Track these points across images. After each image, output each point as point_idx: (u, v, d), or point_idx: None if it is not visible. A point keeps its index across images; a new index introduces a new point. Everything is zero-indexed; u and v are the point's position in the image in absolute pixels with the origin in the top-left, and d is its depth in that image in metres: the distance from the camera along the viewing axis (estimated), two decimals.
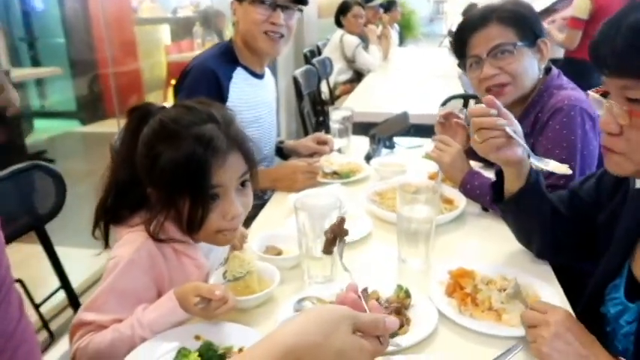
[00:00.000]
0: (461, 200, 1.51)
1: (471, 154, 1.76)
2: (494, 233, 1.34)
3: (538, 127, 1.44)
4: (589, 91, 0.94)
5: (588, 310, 1.03)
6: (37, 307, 1.38)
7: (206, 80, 1.62)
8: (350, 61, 4.34)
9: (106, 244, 1.07)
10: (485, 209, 1.51)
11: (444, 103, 2.69)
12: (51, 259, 1.39)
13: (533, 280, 1.11)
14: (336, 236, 1.06)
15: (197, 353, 0.84)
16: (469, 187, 1.50)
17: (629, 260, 0.98)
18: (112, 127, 3.48)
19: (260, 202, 1.67)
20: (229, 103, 1.64)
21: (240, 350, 0.89)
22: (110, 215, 1.07)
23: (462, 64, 1.54)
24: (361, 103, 3.11)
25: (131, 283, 0.98)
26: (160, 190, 1.01)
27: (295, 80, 3.01)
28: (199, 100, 1.09)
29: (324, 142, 1.90)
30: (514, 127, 1.07)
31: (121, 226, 1.06)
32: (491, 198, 1.23)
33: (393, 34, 5.84)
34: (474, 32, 1.46)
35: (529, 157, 1.08)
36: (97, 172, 1.11)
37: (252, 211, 1.13)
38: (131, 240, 1.01)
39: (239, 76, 1.72)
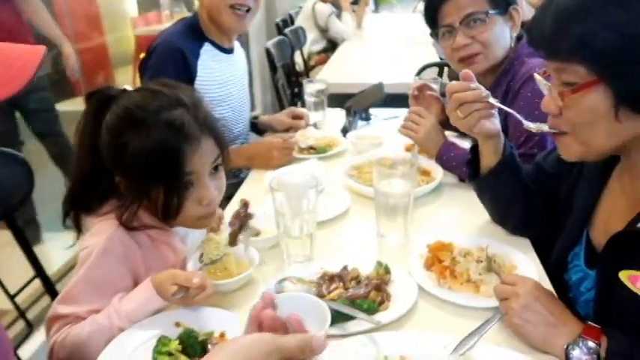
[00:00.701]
0: (438, 172, 1.51)
1: (445, 124, 1.77)
2: (472, 204, 1.34)
3: (510, 96, 1.44)
4: (534, 73, 0.95)
5: (552, 277, 1.06)
6: (12, 297, 1.35)
7: (172, 59, 1.56)
8: (323, 31, 4.26)
9: (79, 233, 1.04)
10: (462, 180, 1.51)
11: (419, 73, 2.67)
12: (23, 248, 1.35)
13: (510, 250, 1.12)
14: (242, 225, 1.06)
15: (178, 341, 0.83)
16: (445, 158, 1.51)
17: (587, 228, 1.01)
18: (80, 105, 3.37)
19: (236, 180, 1.65)
20: (198, 82, 1.59)
21: (222, 335, 0.88)
22: (79, 204, 1.03)
23: (434, 34, 1.52)
24: (336, 74, 3.07)
25: (106, 272, 0.96)
26: (130, 180, 0.97)
27: (268, 52, 2.95)
28: (163, 82, 1.05)
29: (299, 117, 1.87)
30: (488, 96, 1.07)
31: (92, 216, 1.03)
32: (467, 175, 1.23)
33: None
34: (445, 0, 1.43)
35: (537, 124, 1.06)
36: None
37: (228, 190, 1.12)
38: (103, 229, 0.99)
39: (207, 52, 1.66)
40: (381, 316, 0.93)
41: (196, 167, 0.97)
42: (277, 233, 1.15)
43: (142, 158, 0.92)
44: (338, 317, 0.91)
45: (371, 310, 0.94)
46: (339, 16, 4.31)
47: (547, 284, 1.03)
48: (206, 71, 1.63)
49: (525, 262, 1.09)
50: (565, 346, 0.80)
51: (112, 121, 0.95)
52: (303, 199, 1.10)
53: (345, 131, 1.88)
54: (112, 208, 1.01)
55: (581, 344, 0.79)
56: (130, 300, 0.91)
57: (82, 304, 0.93)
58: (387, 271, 1.04)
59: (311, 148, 1.73)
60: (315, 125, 1.95)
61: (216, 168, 1.03)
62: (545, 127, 0.95)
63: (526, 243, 1.19)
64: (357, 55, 3.75)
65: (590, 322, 0.83)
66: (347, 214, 1.37)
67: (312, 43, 4.23)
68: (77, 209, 1.03)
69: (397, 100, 2.29)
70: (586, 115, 0.83)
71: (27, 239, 1.37)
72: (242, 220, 1.11)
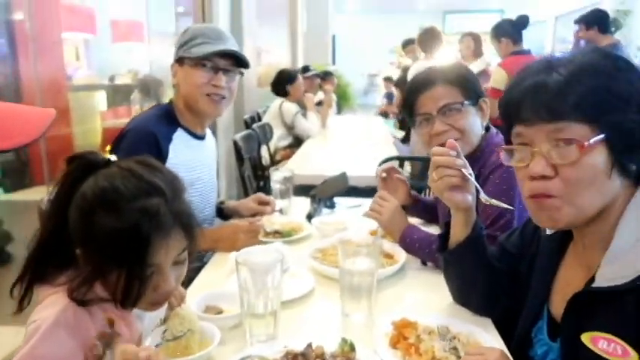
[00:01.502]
0: (401, 254, 1.54)
1: (411, 209, 1.83)
2: (435, 286, 1.36)
3: (480, 182, 1.53)
4: (502, 148, 0.98)
5: (518, 353, 1.07)
6: None
7: (145, 142, 1.59)
8: (290, 128, 4.45)
9: (21, 306, 0.98)
10: (424, 263, 1.54)
11: (382, 164, 2.79)
12: None
13: (473, 329, 1.13)
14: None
15: None
16: (408, 240, 1.55)
17: (547, 302, 1.04)
18: (41, 194, 3.31)
19: (199, 264, 1.62)
20: (168, 164, 1.62)
21: None
22: (35, 272, 0.99)
23: (411, 122, 1.62)
24: (301, 166, 3.17)
25: (55, 348, 0.90)
26: (92, 256, 0.94)
27: (235, 144, 3.04)
28: (147, 161, 1.02)
29: (265, 203, 1.90)
30: (470, 172, 1.14)
31: (45, 286, 0.99)
32: (438, 247, 1.26)
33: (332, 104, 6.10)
34: (422, 92, 1.54)
35: (479, 193, 1.13)
36: (20, 241, 1.04)
37: (191, 273, 1.08)
38: (54, 301, 0.94)
39: (179, 137, 1.71)
40: None
41: (161, 259, 0.95)
42: (240, 311, 1.13)
43: (110, 239, 0.90)
44: None
45: None
46: (304, 115, 4.54)
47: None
48: (177, 154, 1.66)
49: (489, 341, 1.09)
50: None
51: (87, 195, 0.93)
52: (268, 274, 1.10)
53: (310, 217, 1.91)
54: (67, 279, 0.97)
55: None
56: None
57: None
58: (352, 348, 1.02)
59: (276, 232, 1.75)
60: (280, 211, 1.98)
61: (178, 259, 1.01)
62: (496, 202, 1.00)
63: (488, 322, 1.20)
64: (322, 150, 3.91)
65: None
66: (312, 294, 1.36)
67: (279, 139, 4.39)
68: (33, 277, 0.99)
69: (360, 191, 2.39)
70: (588, 174, 0.84)
71: None
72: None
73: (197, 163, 1.75)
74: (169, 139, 1.65)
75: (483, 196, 1.09)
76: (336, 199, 2.15)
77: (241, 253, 1.12)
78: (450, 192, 1.13)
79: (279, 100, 4.51)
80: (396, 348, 1.06)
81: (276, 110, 4.43)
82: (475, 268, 1.18)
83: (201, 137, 1.79)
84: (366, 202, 1.78)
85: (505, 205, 1.11)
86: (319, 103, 5.24)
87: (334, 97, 6.61)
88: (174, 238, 0.95)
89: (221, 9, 4.36)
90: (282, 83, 4.56)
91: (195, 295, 1.25)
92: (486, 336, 1.11)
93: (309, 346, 1.04)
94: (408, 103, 1.59)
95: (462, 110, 1.52)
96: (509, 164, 0.98)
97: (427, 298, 1.34)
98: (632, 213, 0.87)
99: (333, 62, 11.75)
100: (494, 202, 1.06)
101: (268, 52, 7.68)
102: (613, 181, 0.86)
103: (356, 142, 4.28)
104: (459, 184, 1.12)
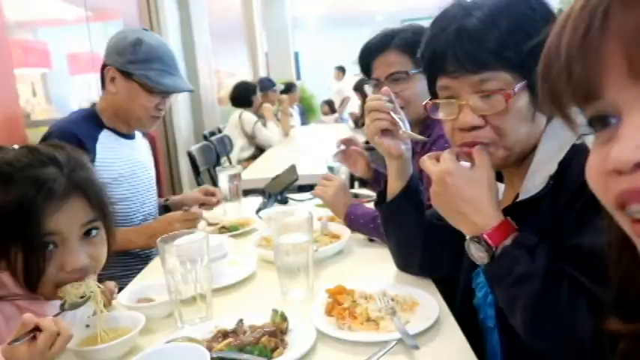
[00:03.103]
0: (347, 235, 1.51)
1: (372, 183, 1.81)
2: (380, 260, 1.33)
3: (425, 149, 1.52)
4: (428, 102, 0.98)
5: (463, 310, 1.04)
6: None
7: (67, 143, 1.54)
8: (251, 138, 4.43)
9: None
10: (371, 240, 1.52)
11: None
12: None
13: (412, 290, 1.11)
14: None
15: None
16: (352, 217, 1.52)
17: None
18: None
19: (143, 265, 1.57)
20: (98, 163, 1.56)
21: None
22: None
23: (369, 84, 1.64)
24: (259, 172, 3.13)
25: None
26: None
27: (190, 155, 3.00)
28: (54, 143, 1.04)
29: (211, 194, 1.84)
30: (400, 117, 1.12)
31: None
32: (375, 203, 1.24)
33: (295, 113, 6.11)
34: (376, 56, 1.56)
35: (403, 129, 1.11)
36: None
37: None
38: None
39: (105, 137, 1.66)
40: None
41: (60, 227, 0.92)
42: (169, 298, 1.08)
43: (0, 213, 0.87)
44: None
45: (262, 356, 0.87)
46: (265, 124, 4.52)
47: (449, 318, 1.01)
48: (106, 153, 1.62)
49: (428, 299, 1.06)
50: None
51: None
52: (195, 256, 1.06)
53: (259, 212, 1.87)
54: None
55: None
56: None
57: None
58: (284, 318, 0.99)
59: (222, 227, 1.70)
60: (224, 212, 1.92)
61: (89, 232, 0.98)
62: (415, 134, 0.99)
63: (430, 283, 1.18)
64: (282, 156, 3.87)
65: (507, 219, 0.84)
66: (253, 280, 1.31)
67: (241, 150, 4.36)
68: None
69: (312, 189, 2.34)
70: (516, 119, 0.86)
71: None
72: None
73: (130, 159, 1.70)
74: (95, 139, 1.61)
75: (402, 130, 1.09)
76: (289, 196, 2.12)
77: (165, 236, 1.07)
78: (380, 137, 1.12)
79: (238, 111, 4.49)
80: (331, 315, 1.03)
81: (235, 121, 4.41)
82: (413, 224, 1.16)
83: (129, 137, 1.75)
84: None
85: (421, 137, 1.13)
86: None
87: (297, 108, 6.64)
88: (74, 207, 0.93)
89: (170, 33, 4.36)
90: (240, 95, 4.54)
91: (127, 289, 1.20)
92: (425, 294, 1.08)
93: (240, 321, 1.00)
94: (364, 65, 1.61)
95: (408, 79, 1.52)
96: (437, 117, 0.97)
97: (372, 272, 1.31)
98: (553, 129, 0.88)
99: (298, 78, 11.82)
100: (413, 135, 1.05)
101: (230, 74, 7.68)
102: (538, 119, 0.88)
103: (318, 147, 4.26)
104: (389, 128, 1.11)
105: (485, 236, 0.83)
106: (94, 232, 0.98)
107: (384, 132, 1.12)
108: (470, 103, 0.88)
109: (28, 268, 0.90)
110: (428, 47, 0.95)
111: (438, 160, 0.93)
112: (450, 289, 1.15)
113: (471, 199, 0.86)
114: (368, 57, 1.61)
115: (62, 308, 0.93)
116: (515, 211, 0.89)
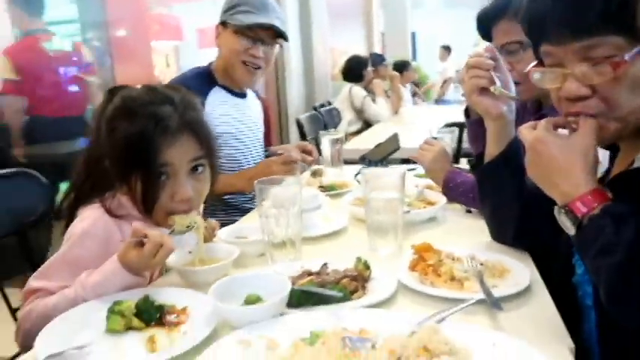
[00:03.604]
0: (443, 202, 1.48)
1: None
2: (474, 232, 1.29)
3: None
4: (531, 68, 0.90)
5: (560, 286, 0.98)
6: (12, 310, 1.37)
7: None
8: (359, 112, 4.46)
9: (67, 225, 1.08)
10: (468, 211, 1.47)
11: (443, 128, 2.69)
12: (30, 261, 1.40)
13: (504, 258, 1.06)
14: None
15: (133, 304, 0.81)
16: (451, 185, 1.47)
17: None
18: None
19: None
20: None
21: (184, 309, 0.86)
22: (79, 193, 1.09)
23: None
24: (363, 143, 3.14)
25: (84, 253, 0.98)
26: (114, 165, 1.03)
27: (299, 123, 3.10)
28: (172, 85, 1.15)
29: (308, 152, 1.88)
30: (502, 77, 1.06)
31: (84, 206, 1.08)
32: (471, 166, 1.20)
33: (406, 92, 5.99)
34: (493, 23, 1.46)
35: (496, 86, 1.05)
36: None
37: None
38: (87, 214, 1.03)
39: (215, 94, 1.76)
40: (355, 304, 0.88)
41: (172, 160, 1.02)
42: (262, 238, 1.14)
43: (123, 144, 1.00)
44: (307, 301, 0.88)
45: (342, 297, 0.89)
46: (374, 100, 4.52)
47: (541, 289, 0.96)
48: (216, 108, 1.73)
49: (520, 268, 1.01)
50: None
51: (110, 110, 1.05)
52: (288, 201, 1.11)
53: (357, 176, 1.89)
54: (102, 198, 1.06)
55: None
56: (96, 273, 0.92)
57: (55, 280, 0.95)
58: (367, 267, 1.00)
59: (320, 186, 1.75)
60: (315, 173, 1.95)
61: (195, 168, 1.07)
62: (505, 92, 0.96)
63: (525, 255, 1.12)
64: (389, 131, 3.83)
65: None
66: (344, 234, 1.35)
67: (349, 123, 4.40)
68: (76, 197, 1.08)
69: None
70: (628, 88, 0.78)
71: (35, 254, 1.42)
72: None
73: (237, 117, 1.80)
74: (205, 94, 1.71)
75: (493, 87, 1.03)
76: (390, 166, 2.11)
77: (263, 179, 1.13)
78: (478, 96, 1.06)
79: (348, 85, 4.53)
80: (414, 270, 1.02)
81: (345, 94, 4.46)
82: (509, 191, 1.10)
83: (241, 95, 1.83)
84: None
85: (513, 96, 1.05)
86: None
87: (410, 87, 6.51)
88: (185, 143, 1.02)
89: (289, 7, 4.49)
90: (352, 68, 4.57)
91: (226, 228, 1.29)
92: (517, 263, 1.03)
93: (325, 264, 1.03)
94: (482, 33, 1.51)
95: (525, 51, 1.38)
96: (541, 85, 0.91)
97: (464, 242, 1.26)
98: None
99: (414, 59, 11.55)
100: (505, 92, 0.99)
101: (344, 52, 7.74)
102: None
103: (426, 125, 4.16)
104: (486, 86, 1.05)
105: (577, 204, 0.77)
106: (200, 168, 1.07)
107: (484, 90, 1.06)
108: (575, 73, 0.80)
109: (144, 194, 1.01)
110: (527, 11, 0.88)
111: (535, 128, 0.88)
112: (546, 267, 1.09)
113: (562, 168, 0.80)
114: (485, 24, 1.50)
115: (170, 233, 1.04)
116: (625, 180, 0.82)
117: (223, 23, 1.75)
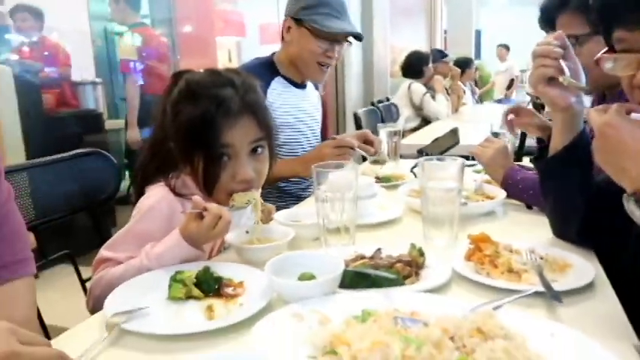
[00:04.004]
0: (502, 196, 1.44)
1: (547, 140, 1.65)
2: (534, 227, 1.25)
3: None
4: (602, 55, 0.87)
5: (629, 280, 0.93)
6: (83, 282, 1.47)
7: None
8: (418, 109, 4.40)
9: (136, 201, 1.14)
10: (529, 207, 1.42)
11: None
12: (100, 236, 1.49)
13: (566, 254, 1.02)
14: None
15: (193, 274, 0.85)
16: (511, 182, 1.44)
17: None
18: None
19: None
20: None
21: (241, 283, 0.89)
22: (144, 174, 1.15)
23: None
24: (421, 139, 3.10)
25: (149, 227, 1.04)
26: (178, 146, 1.08)
27: (356, 117, 3.10)
28: (234, 69, 1.19)
29: (370, 142, 1.87)
30: (572, 66, 1.01)
31: (151, 186, 1.14)
32: (533, 158, 1.16)
33: (466, 90, 5.85)
34: (558, 13, 1.41)
35: (565, 76, 0.99)
36: None
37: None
38: (154, 192, 1.09)
39: (277, 83, 1.79)
40: (408, 289, 0.88)
41: (233, 141, 1.06)
42: (317, 222, 1.16)
43: (187, 125, 1.04)
44: (359, 284, 0.88)
45: (395, 279, 0.89)
46: (433, 97, 4.44)
47: (605, 286, 0.92)
48: (276, 98, 1.76)
49: (582, 263, 0.97)
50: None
51: (175, 93, 1.09)
52: (344, 185, 1.12)
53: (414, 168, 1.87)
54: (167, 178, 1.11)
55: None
56: (160, 245, 0.97)
57: (122, 251, 1.01)
58: (421, 253, 1.00)
59: (377, 177, 1.75)
60: (377, 161, 1.92)
61: (255, 150, 1.10)
62: (575, 82, 0.90)
63: (589, 252, 1.07)
64: (448, 128, 3.76)
65: None
66: (398, 223, 1.34)
67: (407, 120, 4.35)
68: (142, 178, 1.15)
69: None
70: None
71: (106, 228, 1.51)
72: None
73: (298, 107, 1.83)
74: (268, 84, 1.74)
75: (562, 77, 0.98)
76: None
77: (320, 164, 1.15)
78: (545, 86, 1.01)
79: (407, 81, 4.48)
80: (470, 260, 1.00)
81: (404, 91, 4.42)
82: (575, 184, 1.05)
83: (301, 86, 1.86)
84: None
85: (583, 86, 1.00)
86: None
87: (471, 85, 6.35)
88: (245, 125, 1.06)
89: (352, 6, 4.51)
90: (412, 64, 4.51)
91: (283, 211, 1.32)
92: (580, 259, 0.99)
93: (379, 250, 1.03)
94: (544, 22, 1.46)
95: (583, 45, 1.36)
96: (613, 73, 0.87)
97: (523, 237, 1.22)
98: None
99: (477, 57, 11.22)
100: (574, 82, 0.94)
101: (404, 50, 7.65)
102: None
103: (487, 124, 4.04)
104: (555, 75, 1.00)
105: None
106: (259, 149, 1.11)
107: (552, 80, 1.02)
108: None
109: (206, 174, 1.06)
110: None
111: (605, 112, 0.84)
112: (612, 265, 1.04)
113: (632, 152, 0.76)
114: (548, 15, 1.44)
115: (230, 209, 1.08)
116: None
117: (297, 20, 1.74)
